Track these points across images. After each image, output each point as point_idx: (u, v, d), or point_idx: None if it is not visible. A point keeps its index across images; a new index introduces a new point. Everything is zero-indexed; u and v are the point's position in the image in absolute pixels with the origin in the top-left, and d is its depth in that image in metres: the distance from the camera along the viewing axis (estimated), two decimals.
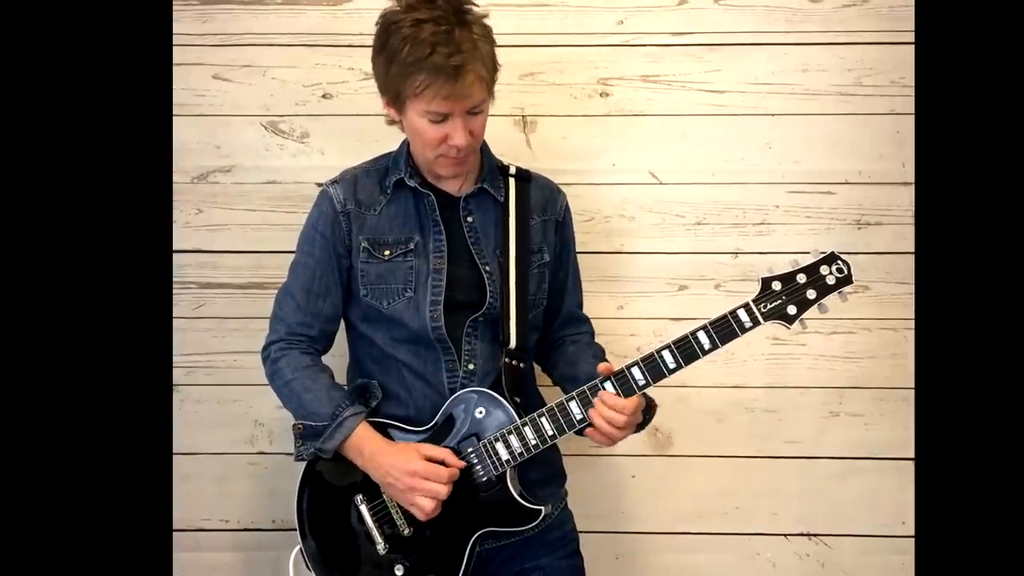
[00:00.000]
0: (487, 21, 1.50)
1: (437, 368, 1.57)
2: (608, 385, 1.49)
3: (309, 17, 2.00)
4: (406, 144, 1.63)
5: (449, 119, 1.48)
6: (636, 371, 1.48)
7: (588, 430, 1.50)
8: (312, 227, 1.62)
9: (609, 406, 1.47)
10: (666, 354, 1.48)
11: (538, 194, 1.67)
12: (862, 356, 2.02)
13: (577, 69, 2.00)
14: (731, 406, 2.03)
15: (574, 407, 1.50)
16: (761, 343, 1.99)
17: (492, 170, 1.65)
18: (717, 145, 2.00)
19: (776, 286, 1.48)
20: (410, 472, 1.47)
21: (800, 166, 2.00)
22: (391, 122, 1.60)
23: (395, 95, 1.50)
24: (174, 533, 1.98)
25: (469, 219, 1.61)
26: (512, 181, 1.66)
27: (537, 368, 1.75)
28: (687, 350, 1.48)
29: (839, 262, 1.48)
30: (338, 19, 2.00)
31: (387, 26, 1.48)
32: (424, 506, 1.48)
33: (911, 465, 1.99)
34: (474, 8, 1.49)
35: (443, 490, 1.47)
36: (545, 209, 1.67)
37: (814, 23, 1.98)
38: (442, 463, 1.49)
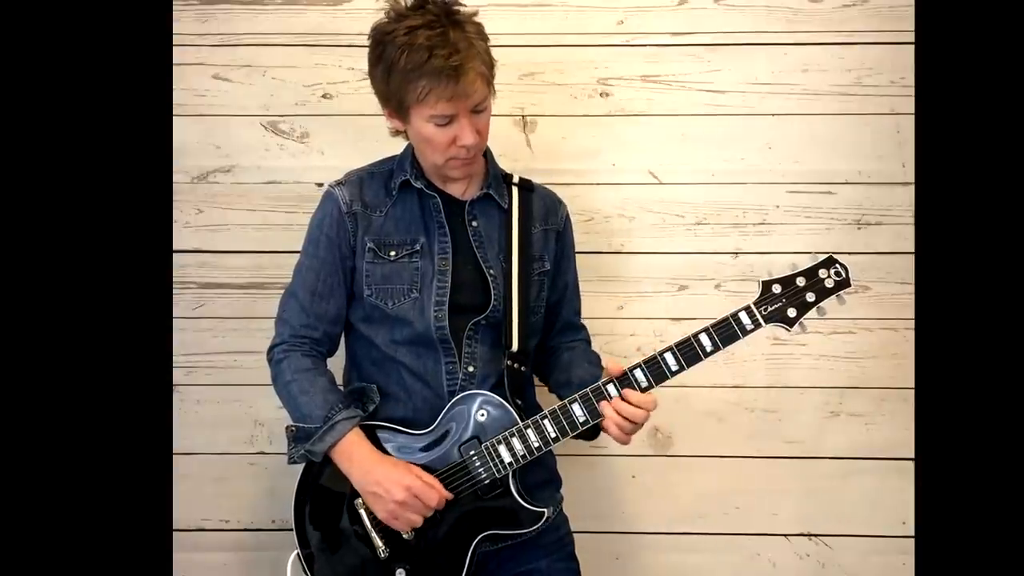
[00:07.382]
0: (477, 19, 1.51)
1: (437, 370, 1.57)
2: (611, 388, 1.49)
3: (309, 17, 2.00)
4: (411, 147, 1.64)
5: (455, 121, 1.49)
6: (639, 373, 1.49)
7: (604, 422, 1.49)
8: (317, 228, 1.62)
9: (630, 402, 1.48)
10: (668, 356, 1.49)
11: (540, 204, 1.69)
12: (862, 356, 2.02)
13: (577, 69, 2.00)
14: (731, 406, 2.03)
15: (576, 409, 1.50)
16: (761, 343, 1.98)
17: (496, 177, 1.66)
18: (717, 145, 2.00)
19: (776, 289, 1.50)
20: (405, 486, 1.47)
21: (800, 166, 2.00)
22: (396, 132, 1.61)
23: (398, 105, 1.51)
24: (174, 533, 1.98)
25: (474, 223, 1.62)
26: (515, 190, 1.67)
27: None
28: (689, 352, 1.49)
29: (837, 265, 1.50)
30: (338, 19, 2.00)
31: (380, 38, 1.49)
32: (415, 522, 1.48)
33: (911, 465, 1.99)
34: (463, 8, 1.50)
35: (429, 513, 1.49)
36: (547, 219, 1.69)
37: (814, 23, 1.98)
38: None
